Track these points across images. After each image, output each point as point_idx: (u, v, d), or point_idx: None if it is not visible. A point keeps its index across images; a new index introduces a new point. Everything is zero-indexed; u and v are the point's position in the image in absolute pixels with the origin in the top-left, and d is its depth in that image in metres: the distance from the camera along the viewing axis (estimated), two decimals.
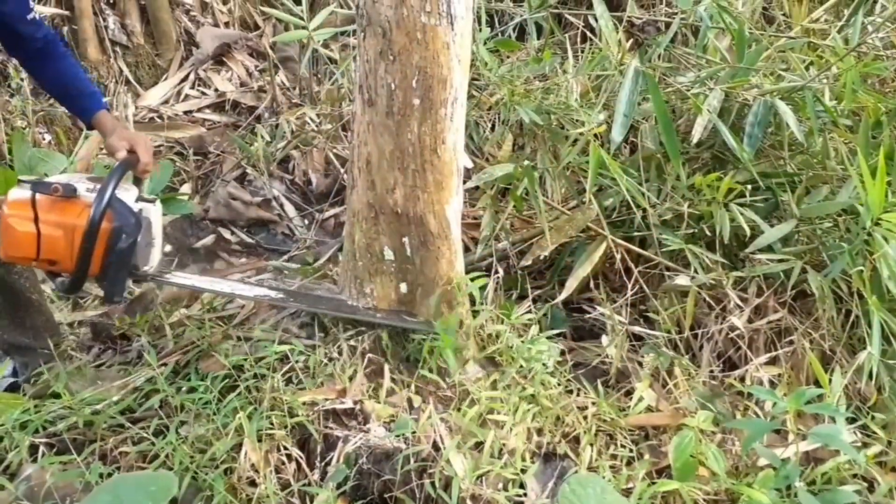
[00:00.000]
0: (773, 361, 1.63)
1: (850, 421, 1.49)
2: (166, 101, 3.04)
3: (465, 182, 1.55)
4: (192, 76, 3.12)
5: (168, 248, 2.24)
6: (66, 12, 2.88)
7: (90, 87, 1.51)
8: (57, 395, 1.45)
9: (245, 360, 1.46)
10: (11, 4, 1.35)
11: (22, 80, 2.73)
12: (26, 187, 1.27)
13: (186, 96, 3.08)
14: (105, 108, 1.49)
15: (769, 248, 1.68)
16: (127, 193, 1.32)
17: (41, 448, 1.37)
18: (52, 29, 1.48)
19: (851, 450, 1.31)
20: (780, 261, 1.65)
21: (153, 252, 1.39)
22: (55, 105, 2.79)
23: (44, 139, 2.66)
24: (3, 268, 1.54)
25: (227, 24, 3.31)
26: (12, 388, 1.67)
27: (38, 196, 1.25)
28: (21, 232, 1.25)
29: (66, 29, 2.91)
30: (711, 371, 1.64)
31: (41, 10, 2.82)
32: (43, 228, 1.25)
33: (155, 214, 1.38)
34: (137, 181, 1.43)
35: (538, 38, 2.34)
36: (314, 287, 1.76)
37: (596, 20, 1.97)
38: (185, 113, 3.00)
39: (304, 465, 1.35)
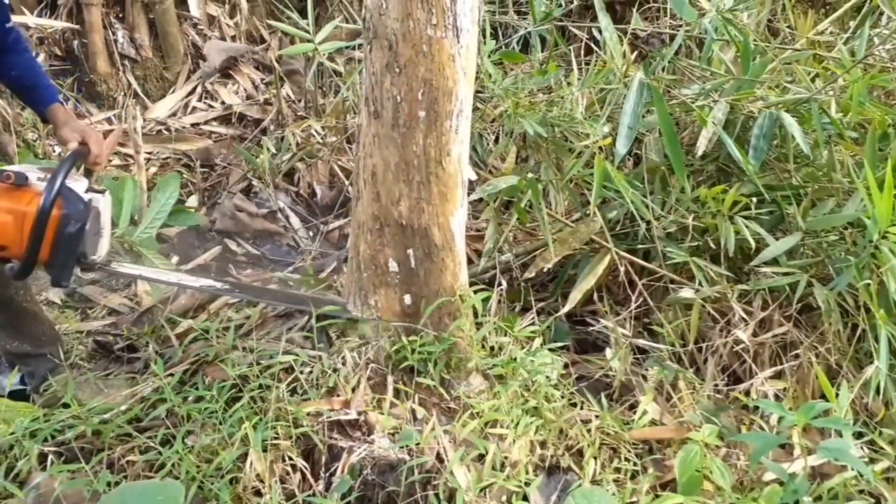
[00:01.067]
0: (778, 375, 1.62)
1: (858, 436, 1.47)
2: (174, 114, 3.08)
3: (468, 194, 1.56)
4: (199, 89, 3.16)
5: (175, 258, 2.26)
6: (77, 26, 2.93)
7: (46, 81, 1.56)
8: (66, 405, 1.47)
9: (250, 370, 1.47)
10: None
11: None
12: None
13: (194, 109, 3.12)
14: (59, 101, 1.54)
15: (774, 262, 1.67)
16: (77, 183, 1.34)
17: (50, 456, 1.38)
18: (19, 32, 1.55)
19: (860, 464, 1.29)
20: (786, 274, 1.64)
21: (102, 241, 1.41)
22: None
23: (54, 151, 2.70)
24: None
25: (233, 38, 3.35)
26: (20, 396, 1.68)
27: None
28: None
29: (76, 42, 2.96)
30: (716, 385, 1.63)
31: (51, 25, 2.88)
32: None
33: (104, 204, 1.39)
34: (88, 172, 1.46)
35: (542, 51, 2.36)
36: (265, 283, 1.77)
37: (600, 32, 1.99)
38: (193, 125, 3.04)
39: (308, 475, 1.35)
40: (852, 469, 1.33)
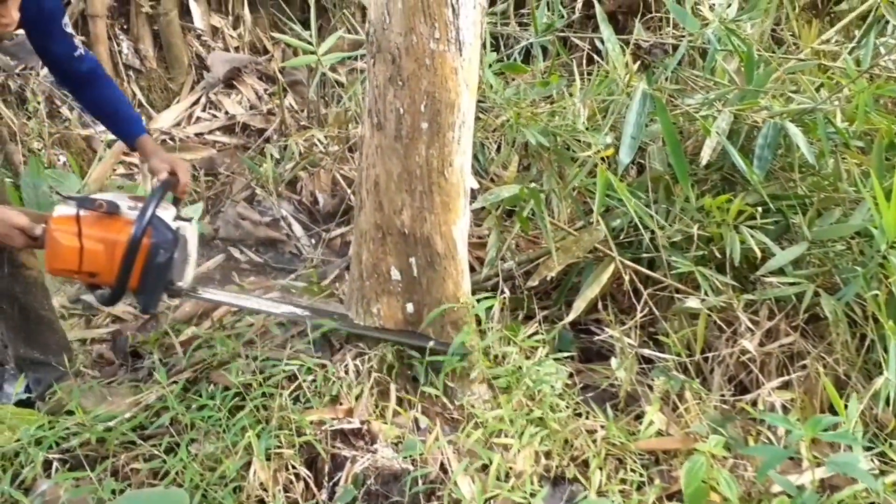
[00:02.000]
0: (785, 386, 1.60)
1: (867, 448, 1.45)
2: (178, 124, 3.10)
3: (470, 202, 1.56)
4: (203, 99, 3.19)
5: None
6: (82, 37, 2.96)
7: (133, 113, 1.62)
8: (70, 412, 1.47)
9: (254, 378, 1.46)
10: (59, 46, 1.48)
11: (38, 103, 2.80)
12: (71, 204, 1.34)
13: (198, 119, 3.14)
14: (146, 132, 1.60)
15: (780, 271, 1.66)
16: (166, 212, 1.39)
17: (55, 464, 1.38)
18: (95, 60, 1.60)
19: (869, 478, 1.27)
20: (792, 284, 1.63)
21: (188, 268, 1.45)
22: (70, 128, 2.85)
23: (59, 160, 2.72)
24: (19, 287, 1.58)
25: (237, 49, 3.39)
26: (25, 404, 1.69)
27: (82, 212, 1.32)
28: (65, 245, 1.31)
29: None
30: (723, 395, 1.62)
31: None
32: (86, 242, 1.32)
33: (191, 233, 1.43)
34: (176, 201, 1.51)
35: (544, 61, 2.37)
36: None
37: (602, 43, 1.99)
38: (197, 135, 3.06)
39: (312, 484, 1.34)
40: (862, 481, 1.31)
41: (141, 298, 1.39)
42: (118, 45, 3.07)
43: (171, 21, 3.13)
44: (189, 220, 1.45)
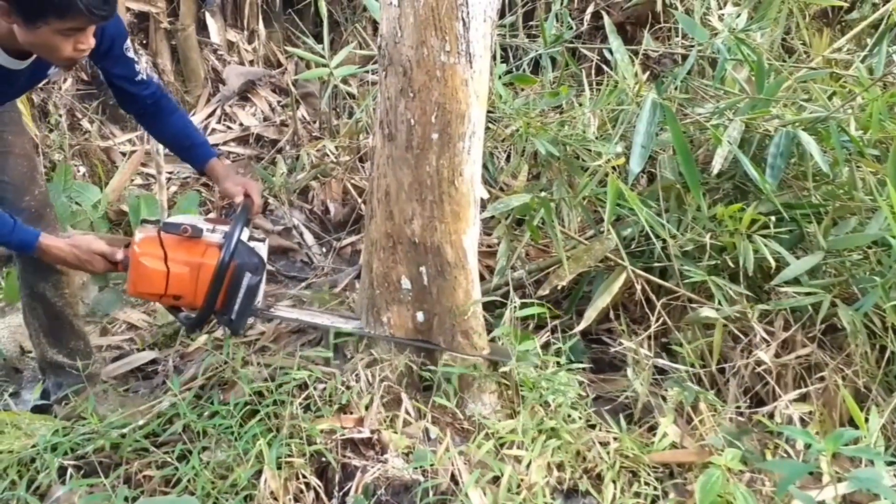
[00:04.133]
0: (803, 398, 1.57)
1: (889, 464, 1.41)
2: None
3: (480, 212, 1.56)
4: (218, 111, 3.25)
5: None
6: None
7: (200, 138, 1.65)
8: (82, 417, 1.49)
9: (265, 385, 1.47)
10: (120, 68, 1.50)
11: (60, 116, 2.88)
12: (152, 228, 1.36)
13: (213, 130, 3.20)
14: (216, 155, 1.63)
15: (796, 281, 1.64)
16: (243, 234, 1.40)
17: (69, 470, 1.39)
18: (160, 86, 1.63)
19: (893, 494, 1.24)
20: (808, 294, 1.60)
21: (262, 287, 1.46)
22: (90, 139, 2.92)
23: (79, 171, 2.78)
24: (52, 291, 1.62)
25: (251, 63, 3.45)
26: (41, 410, 1.71)
27: (164, 235, 1.34)
28: (151, 269, 1.33)
29: None
30: (738, 407, 1.59)
31: None
32: (171, 266, 1.34)
33: (264, 251, 1.45)
34: (246, 221, 1.51)
35: (553, 72, 2.38)
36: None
37: (611, 53, 2.00)
38: (212, 146, 3.11)
39: (322, 494, 1.34)
40: (885, 498, 1.28)
41: (227, 320, 1.40)
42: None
43: (188, 36, 3.20)
44: (263, 240, 1.46)
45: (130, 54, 1.50)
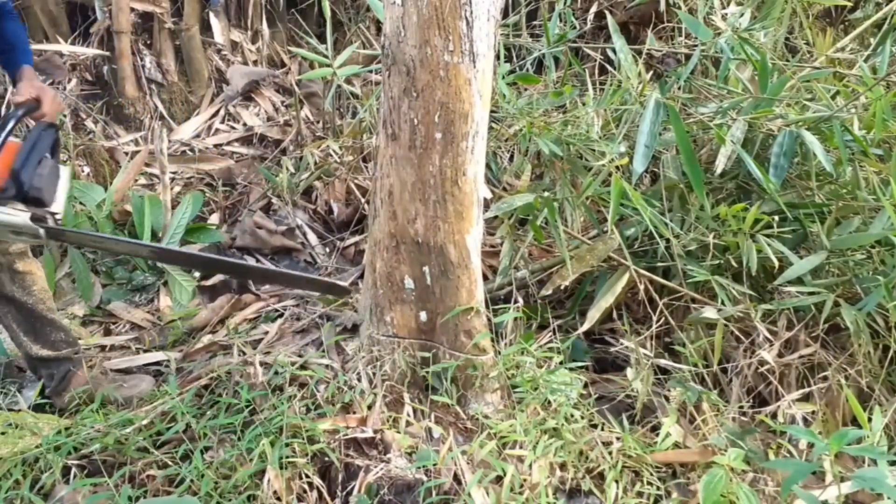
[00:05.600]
0: (806, 398, 1.57)
1: (892, 463, 1.41)
2: (198, 135, 3.17)
3: (483, 211, 1.56)
4: (222, 111, 3.26)
5: (197, 273, 2.30)
6: (107, 53, 3.05)
7: (27, 46, 1.62)
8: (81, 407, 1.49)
9: (268, 385, 1.47)
10: None
11: (64, 116, 2.89)
12: None
13: (217, 130, 3.20)
14: (30, 63, 1.59)
15: (799, 281, 1.63)
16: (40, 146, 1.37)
17: (73, 470, 1.40)
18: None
19: None
20: (811, 293, 1.60)
21: (59, 192, 1.42)
22: (94, 139, 2.93)
23: (83, 171, 2.79)
24: (21, 292, 1.66)
25: (255, 63, 3.46)
26: (42, 409, 1.73)
27: None
28: None
29: (106, 68, 3.08)
30: (741, 407, 1.59)
31: (83, 52, 3.01)
32: None
33: (46, 168, 1.40)
34: (53, 150, 1.46)
35: (556, 71, 2.38)
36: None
37: (615, 53, 2.00)
38: (216, 146, 3.12)
39: (325, 494, 1.34)
40: (888, 497, 1.27)
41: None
42: (141, 59, 3.16)
43: (192, 36, 3.21)
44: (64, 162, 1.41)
45: None
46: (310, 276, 1.47)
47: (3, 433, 1.50)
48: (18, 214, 1.35)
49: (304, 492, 1.33)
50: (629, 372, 1.65)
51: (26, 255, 1.66)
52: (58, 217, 1.43)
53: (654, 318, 1.66)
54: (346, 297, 1.48)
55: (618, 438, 1.47)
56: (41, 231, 1.37)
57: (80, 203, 2.44)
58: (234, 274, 1.57)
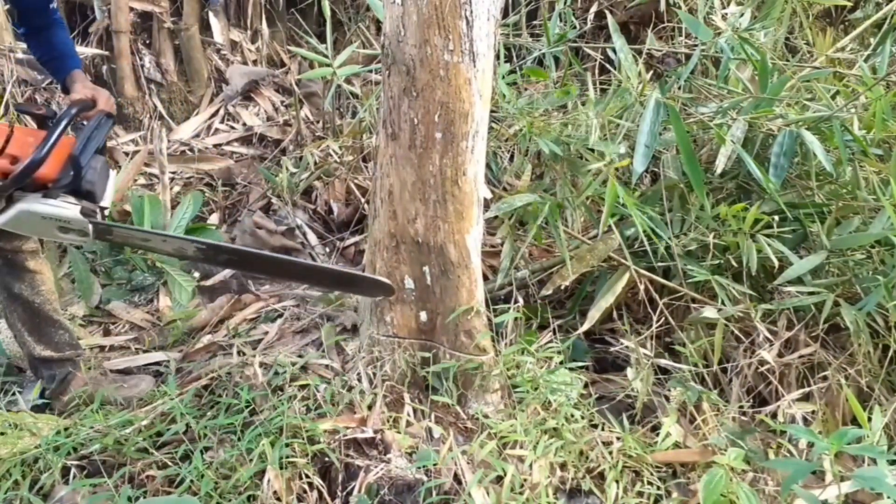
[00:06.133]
0: (806, 398, 1.57)
1: (892, 462, 1.41)
2: (197, 135, 3.16)
3: (483, 211, 1.56)
4: (221, 111, 3.25)
5: (196, 273, 2.30)
6: (106, 52, 3.05)
7: (73, 52, 1.64)
8: (81, 407, 1.48)
9: (268, 385, 1.47)
10: None
11: None
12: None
13: (216, 130, 3.20)
14: (80, 68, 1.61)
15: (799, 280, 1.64)
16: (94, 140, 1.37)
17: (73, 470, 1.40)
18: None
19: None
20: (811, 293, 1.60)
21: (108, 188, 1.42)
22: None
23: None
24: (30, 290, 1.65)
25: (255, 63, 3.45)
26: (41, 410, 1.72)
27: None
28: None
29: (105, 68, 3.08)
30: (741, 407, 1.59)
31: (82, 52, 3.00)
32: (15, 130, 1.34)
33: (99, 165, 1.40)
34: (102, 148, 1.45)
35: (556, 72, 2.37)
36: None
37: (615, 53, 2.00)
38: (215, 146, 3.12)
39: (325, 494, 1.34)
40: (888, 497, 1.27)
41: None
42: (140, 59, 3.15)
43: (191, 36, 3.21)
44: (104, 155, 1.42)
45: None
46: (356, 272, 1.45)
47: (2, 434, 1.50)
48: (70, 207, 1.32)
49: (304, 492, 1.33)
50: (629, 372, 1.65)
51: (38, 254, 1.65)
52: (106, 212, 1.41)
53: (655, 318, 1.66)
54: (390, 295, 1.46)
55: (618, 438, 1.47)
56: (90, 227, 1.33)
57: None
58: (280, 273, 1.52)
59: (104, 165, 1.40)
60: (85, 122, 1.46)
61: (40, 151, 1.26)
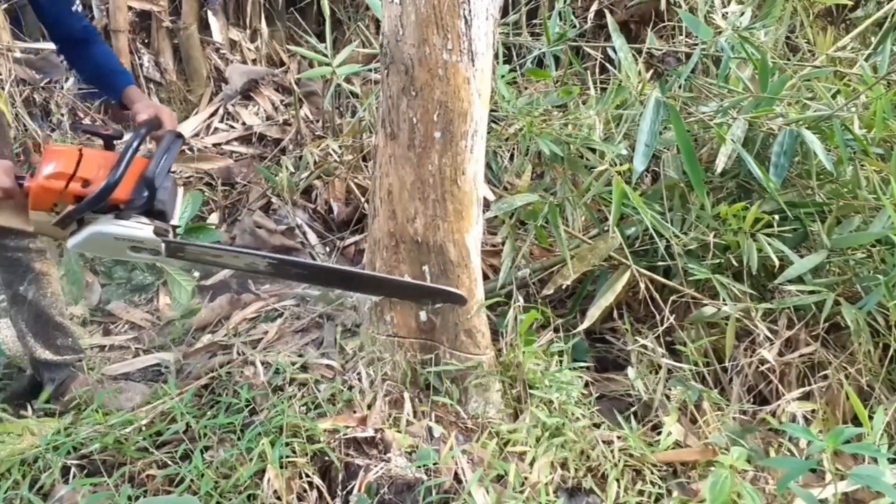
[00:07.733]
0: (806, 396, 1.57)
1: (892, 461, 1.41)
2: (197, 135, 3.16)
3: (483, 211, 1.56)
4: (221, 110, 3.25)
5: (196, 273, 2.30)
6: None
7: (121, 66, 1.64)
8: (79, 408, 1.48)
9: (268, 384, 1.47)
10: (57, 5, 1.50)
11: (62, 115, 2.88)
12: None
13: (216, 129, 3.20)
14: (133, 82, 1.61)
15: (799, 280, 1.64)
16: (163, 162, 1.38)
17: (73, 469, 1.40)
18: (86, 18, 1.62)
19: (894, 492, 1.23)
20: (812, 292, 1.60)
21: (177, 207, 1.43)
22: (92, 140, 2.92)
23: None
24: (37, 293, 1.64)
25: (254, 62, 3.45)
26: (47, 414, 1.72)
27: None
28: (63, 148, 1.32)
29: None
30: (742, 405, 1.59)
31: None
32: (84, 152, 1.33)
33: (171, 184, 1.41)
34: (171, 145, 1.44)
35: (556, 71, 2.37)
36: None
37: (615, 52, 2.00)
38: (214, 145, 3.11)
39: (325, 493, 1.34)
40: (887, 496, 1.27)
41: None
42: (139, 58, 3.15)
43: (190, 35, 3.20)
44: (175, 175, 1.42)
45: None
46: (425, 284, 1.45)
47: (1, 442, 1.49)
48: (143, 228, 1.32)
49: (304, 491, 1.33)
50: (630, 371, 1.65)
51: (45, 254, 1.64)
52: (178, 230, 1.41)
53: (659, 317, 1.66)
54: (463, 304, 1.47)
55: (619, 437, 1.47)
56: (163, 246, 1.32)
57: None
58: (352, 286, 1.52)
59: (174, 184, 1.41)
60: (153, 141, 1.44)
61: (115, 174, 1.25)
